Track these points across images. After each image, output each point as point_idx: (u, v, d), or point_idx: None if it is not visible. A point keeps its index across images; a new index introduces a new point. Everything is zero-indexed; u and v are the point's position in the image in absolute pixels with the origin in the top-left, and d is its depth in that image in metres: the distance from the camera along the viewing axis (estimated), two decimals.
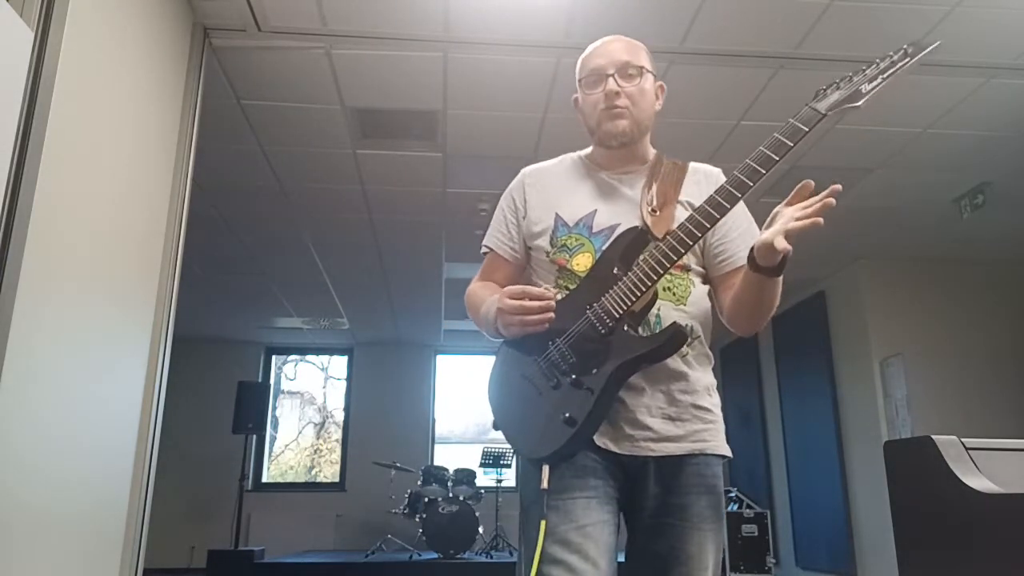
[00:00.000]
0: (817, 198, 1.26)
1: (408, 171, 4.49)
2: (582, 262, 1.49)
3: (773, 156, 1.28)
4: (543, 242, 1.55)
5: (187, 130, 2.97)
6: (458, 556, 6.43)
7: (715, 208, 1.32)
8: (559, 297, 1.46)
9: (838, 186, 1.26)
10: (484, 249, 1.67)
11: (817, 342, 6.43)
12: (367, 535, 7.54)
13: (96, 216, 2.29)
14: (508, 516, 7.45)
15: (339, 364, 9.21)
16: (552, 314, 1.38)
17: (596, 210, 1.53)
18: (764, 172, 1.29)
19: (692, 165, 1.60)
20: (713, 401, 1.49)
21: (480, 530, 6.58)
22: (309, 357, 9.46)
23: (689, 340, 1.45)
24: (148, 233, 2.69)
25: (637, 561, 1.44)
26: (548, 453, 1.36)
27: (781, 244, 1.23)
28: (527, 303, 1.38)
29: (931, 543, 1.90)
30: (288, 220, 5.20)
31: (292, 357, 9.42)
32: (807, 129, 1.28)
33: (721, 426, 1.49)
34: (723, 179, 1.54)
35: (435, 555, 6.47)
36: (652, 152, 1.62)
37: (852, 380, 6.04)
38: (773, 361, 7.22)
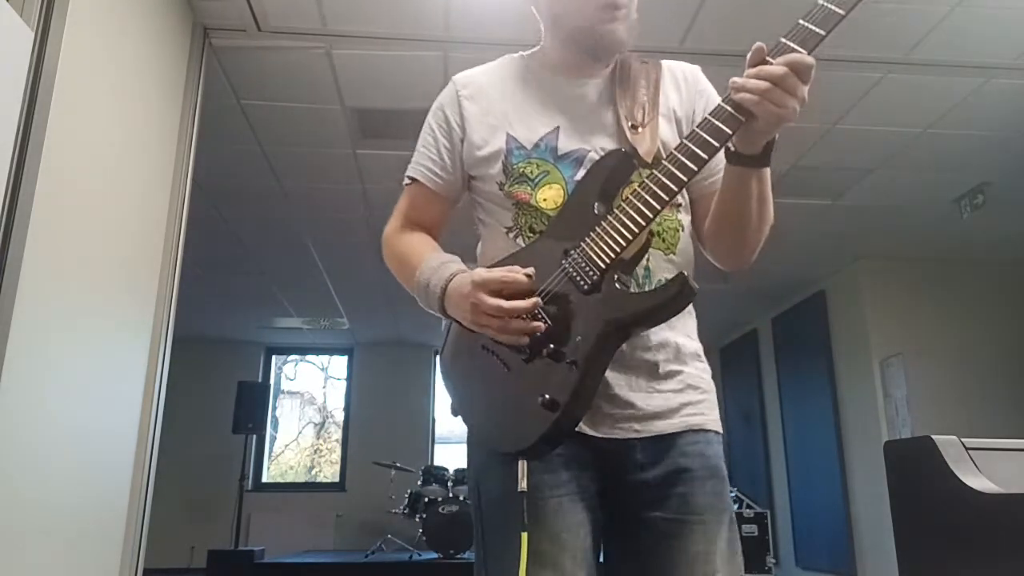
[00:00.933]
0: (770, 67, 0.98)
1: None
2: (550, 196, 1.18)
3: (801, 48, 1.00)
4: (494, 170, 1.22)
5: (187, 130, 2.97)
6: (458, 556, 6.43)
7: (725, 121, 1.00)
8: (521, 243, 1.19)
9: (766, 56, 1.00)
10: (407, 180, 1.32)
11: (817, 342, 6.43)
12: (367, 535, 7.54)
13: (96, 216, 2.29)
14: None
15: (339, 364, 9.21)
16: (542, 326, 1.06)
17: (558, 127, 1.21)
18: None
19: (665, 64, 1.31)
20: (703, 368, 1.24)
21: None
22: (309, 357, 9.46)
23: None
24: (148, 233, 2.69)
25: (624, 562, 1.19)
26: (526, 446, 1.05)
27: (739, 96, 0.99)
28: (511, 305, 1.05)
29: (931, 543, 1.90)
30: (288, 220, 5.20)
31: (292, 357, 9.42)
32: (844, 13, 0.99)
33: (715, 398, 1.24)
34: (703, 80, 1.32)
35: (435, 555, 6.46)
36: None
37: (852, 380, 6.04)
38: (773, 361, 7.22)
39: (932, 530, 1.89)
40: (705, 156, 1.02)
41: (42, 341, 2.00)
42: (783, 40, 1.00)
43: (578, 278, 1.07)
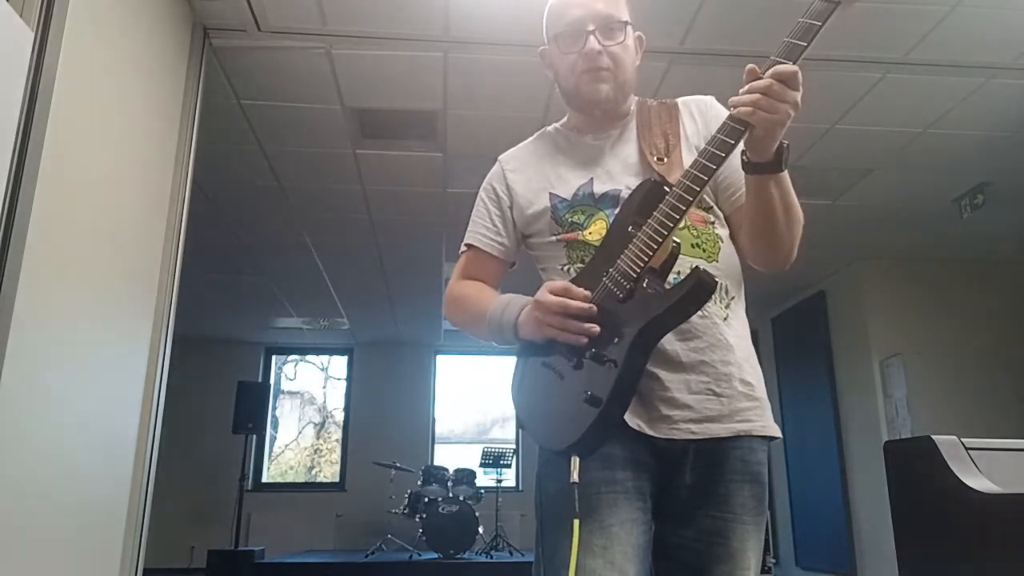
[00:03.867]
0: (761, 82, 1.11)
1: (408, 171, 4.49)
2: (595, 230, 1.32)
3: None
4: (544, 225, 1.39)
5: (187, 130, 2.97)
6: (458, 556, 6.43)
7: (728, 134, 1.13)
8: (573, 274, 1.33)
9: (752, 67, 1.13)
10: (463, 248, 1.49)
11: (817, 342, 6.43)
12: (367, 535, 7.54)
13: (96, 216, 2.29)
14: (508, 516, 7.45)
15: (339, 364, 9.21)
16: (597, 328, 1.17)
17: (592, 178, 1.37)
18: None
19: (681, 100, 1.44)
20: (757, 374, 1.32)
21: (480, 530, 6.58)
22: (309, 357, 9.46)
23: (726, 301, 1.30)
24: (148, 233, 2.69)
25: (668, 560, 1.27)
26: (573, 441, 1.16)
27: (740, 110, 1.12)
28: (571, 302, 1.19)
29: (931, 543, 1.90)
30: (288, 220, 5.20)
31: (292, 357, 9.42)
32: (821, 24, 1.10)
33: (766, 403, 1.31)
34: (717, 105, 1.43)
35: (435, 555, 6.46)
36: (633, 102, 1.45)
37: (852, 380, 6.04)
38: (773, 361, 7.22)
39: (932, 530, 1.89)
40: (713, 166, 1.14)
41: (42, 341, 2.00)
42: (772, 57, 1.13)
43: (615, 289, 1.20)
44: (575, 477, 1.15)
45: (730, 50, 3.31)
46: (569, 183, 1.38)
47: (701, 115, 1.41)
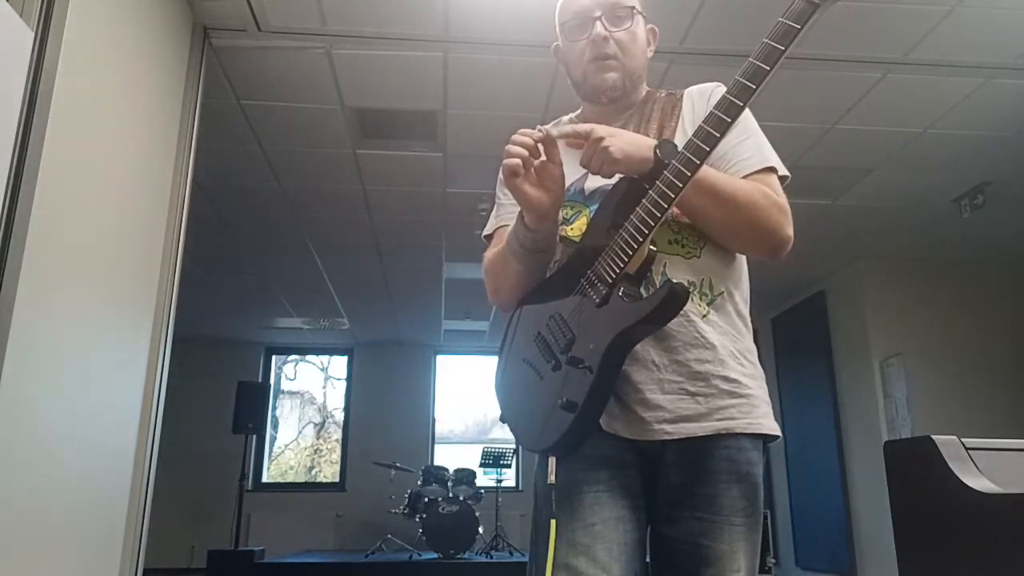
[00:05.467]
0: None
1: (408, 171, 4.49)
2: (577, 226, 1.32)
3: (764, 67, 1.08)
4: None
5: (187, 130, 2.97)
6: (458, 556, 6.43)
7: (714, 126, 1.10)
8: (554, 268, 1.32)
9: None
10: (488, 232, 1.49)
11: (817, 342, 6.43)
12: (367, 535, 7.54)
13: (96, 216, 2.29)
14: (508, 516, 7.44)
15: (339, 364, 9.21)
16: (527, 141, 1.22)
17: (587, 172, 1.33)
18: (769, 68, 1.07)
19: (687, 90, 1.42)
20: (747, 371, 1.26)
21: (480, 530, 6.58)
22: (309, 357, 9.46)
23: (709, 297, 1.26)
24: (148, 233, 2.69)
25: (661, 560, 1.27)
26: (550, 444, 1.19)
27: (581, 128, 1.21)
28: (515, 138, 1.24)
29: (931, 543, 1.90)
30: (288, 220, 5.20)
31: (292, 357, 9.42)
32: (800, 27, 1.06)
33: (759, 400, 1.26)
34: (719, 90, 1.35)
35: (435, 555, 6.47)
36: (644, 92, 1.44)
37: (852, 380, 6.04)
38: (773, 361, 7.22)
39: (932, 530, 1.89)
40: (688, 173, 1.11)
41: (42, 341, 2.00)
42: (750, 59, 1.09)
43: (592, 293, 1.20)
44: (552, 478, 1.20)
45: (730, 50, 3.30)
46: (567, 177, 1.35)
47: (701, 100, 1.38)
